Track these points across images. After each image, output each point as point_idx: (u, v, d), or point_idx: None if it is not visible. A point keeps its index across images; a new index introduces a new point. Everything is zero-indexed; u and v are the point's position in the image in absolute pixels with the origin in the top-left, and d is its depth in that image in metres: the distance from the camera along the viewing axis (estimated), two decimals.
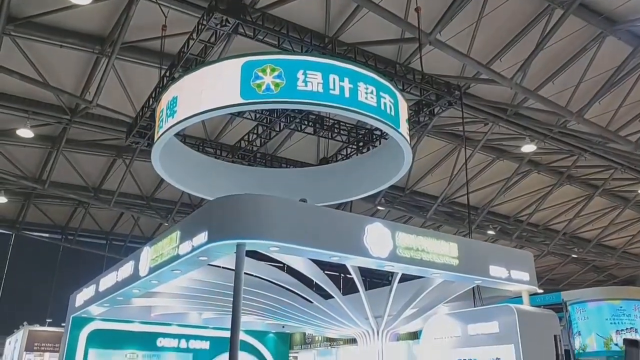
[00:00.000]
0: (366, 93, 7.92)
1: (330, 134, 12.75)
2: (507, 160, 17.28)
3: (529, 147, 15.61)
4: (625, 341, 2.58)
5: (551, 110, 13.34)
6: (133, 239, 22.19)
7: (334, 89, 7.69)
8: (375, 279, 22.42)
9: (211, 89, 7.98)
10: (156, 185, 18.09)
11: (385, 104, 8.16)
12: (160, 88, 10.56)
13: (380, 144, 12.58)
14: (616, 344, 9.90)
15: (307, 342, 14.71)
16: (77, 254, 22.09)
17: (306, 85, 7.62)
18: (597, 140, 15.40)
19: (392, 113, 8.27)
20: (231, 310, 6.31)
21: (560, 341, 2.84)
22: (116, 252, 21.69)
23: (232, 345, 6.15)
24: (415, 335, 12.03)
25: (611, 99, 13.56)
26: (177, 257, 7.20)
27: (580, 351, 10.11)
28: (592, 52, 12.06)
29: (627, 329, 9.94)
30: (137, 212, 19.55)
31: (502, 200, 19.88)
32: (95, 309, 10.87)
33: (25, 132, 13.55)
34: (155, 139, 9.03)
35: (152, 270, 7.96)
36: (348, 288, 15.40)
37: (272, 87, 7.56)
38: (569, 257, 25.49)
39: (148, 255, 8.19)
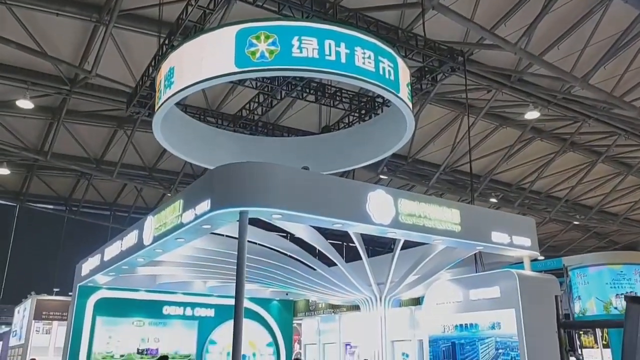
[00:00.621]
0: (364, 58, 7.77)
1: (332, 101, 12.66)
2: (510, 128, 17.16)
3: (532, 114, 15.47)
4: (627, 298, 2.59)
5: (556, 75, 13.17)
6: (137, 210, 22.31)
7: (330, 55, 7.55)
8: (378, 248, 22.59)
9: (207, 59, 7.88)
10: (158, 156, 18.08)
11: (384, 68, 8.01)
12: (160, 56, 10.44)
13: (382, 111, 12.49)
14: (615, 308, 10.03)
15: (310, 309, 14.90)
16: (81, 225, 22.26)
17: (301, 52, 7.48)
18: (601, 106, 15.25)
19: (392, 78, 8.14)
20: (235, 278, 6.38)
21: (561, 301, 2.88)
22: (120, 223, 21.82)
23: (236, 312, 6.23)
24: (417, 301, 12.18)
25: (616, 64, 13.37)
26: (181, 225, 7.25)
27: (580, 315, 10.24)
28: (598, 16, 11.83)
29: (626, 292, 10.04)
30: (140, 183, 19.58)
31: (505, 168, 19.83)
32: (101, 278, 11.01)
33: (25, 103, 13.48)
34: (156, 109, 8.98)
35: (156, 239, 8.02)
36: (351, 257, 15.47)
37: (267, 54, 7.44)
38: (570, 224, 25.56)
39: (152, 224, 8.24)
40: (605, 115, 15.76)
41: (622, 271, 10.22)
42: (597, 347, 12.77)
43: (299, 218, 6.80)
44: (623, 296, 9.96)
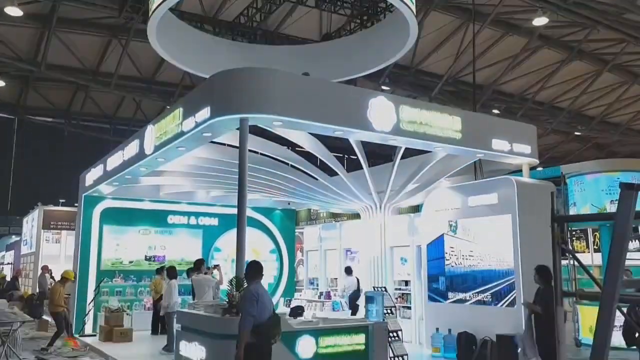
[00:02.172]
0: None
1: (333, 7, 12.18)
2: (517, 36, 16.63)
3: (540, 20, 14.90)
4: (621, 184, 2.62)
5: None
6: (137, 123, 22.17)
7: None
8: (379, 160, 22.69)
9: None
10: (156, 67, 17.71)
11: None
12: None
13: (385, 17, 12.05)
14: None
15: (312, 218, 15.27)
16: (83, 139, 22.26)
17: None
18: (612, 11, 14.69)
19: None
20: (237, 186, 6.47)
21: (556, 197, 2.94)
22: (120, 136, 21.80)
23: (239, 220, 6.37)
24: (416, 209, 12.45)
25: None
26: (181, 133, 7.24)
27: None
28: None
29: None
30: (139, 95, 19.34)
31: (509, 78, 19.47)
32: (105, 188, 11.19)
33: (13, 10, 12.97)
34: (149, 15, 8.68)
35: (157, 148, 8.05)
36: (351, 168, 15.59)
37: None
38: (571, 135, 25.53)
39: (152, 134, 8.24)
40: (615, 21, 15.21)
41: (619, 178, 10.31)
42: (588, 252, 13.26)
43: (300, 125, 6.77)
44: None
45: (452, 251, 8.85)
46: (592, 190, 10.44)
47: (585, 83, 20.02)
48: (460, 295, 8.59)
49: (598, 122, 23.56)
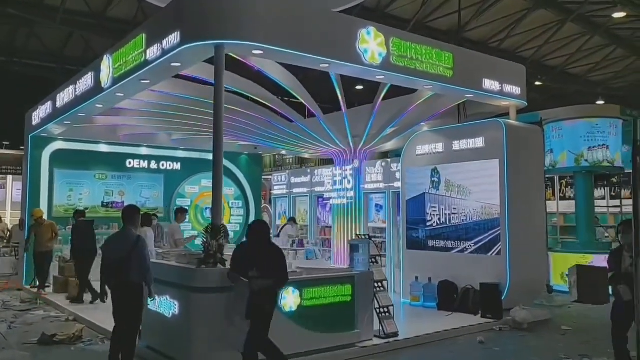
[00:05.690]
0: None
1: None
2: None
3: None
4: None
5: None
6: (86, 63, 20.48)
7: None
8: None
9: None
10: (107, 1, 16.21)
11: None
12: None
13: None
14: (586, 160, 10.17)
15: (278, 164, 14.66)
16: (27, 79, 20.51)
17: None
18: None
19: None
20: (212, 128, 5.75)
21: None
22: (69, 77, 20.16)
23: (215, 165, 5.70)
24: (386, 155, 12.04)
25: None
26: (145, 63, 6.40)
27: (550, 168, 10.36)
28: None
29: (599, 145, 10.12)
30: (88, 32, 17.77)
31: (475, 25, 19.07)
32: (55, 128, 10.17)
33: None
34: None
35: (115, 80, 7.18)
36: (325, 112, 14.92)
37: None
38: (532, 85, 25.68)
39: (110, 64, 7.34)
40: None
41: (597, 124, 10.20)
42: (554, 199, 13.41)
43: (282, 55, 6.07)
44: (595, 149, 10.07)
45: (433, 211, 8.47)
46: (570, 136, 10.31)
47: (549, 32, 19.91)
48: (442, 244, 8.32)
49: (558, 73, 23.75)
